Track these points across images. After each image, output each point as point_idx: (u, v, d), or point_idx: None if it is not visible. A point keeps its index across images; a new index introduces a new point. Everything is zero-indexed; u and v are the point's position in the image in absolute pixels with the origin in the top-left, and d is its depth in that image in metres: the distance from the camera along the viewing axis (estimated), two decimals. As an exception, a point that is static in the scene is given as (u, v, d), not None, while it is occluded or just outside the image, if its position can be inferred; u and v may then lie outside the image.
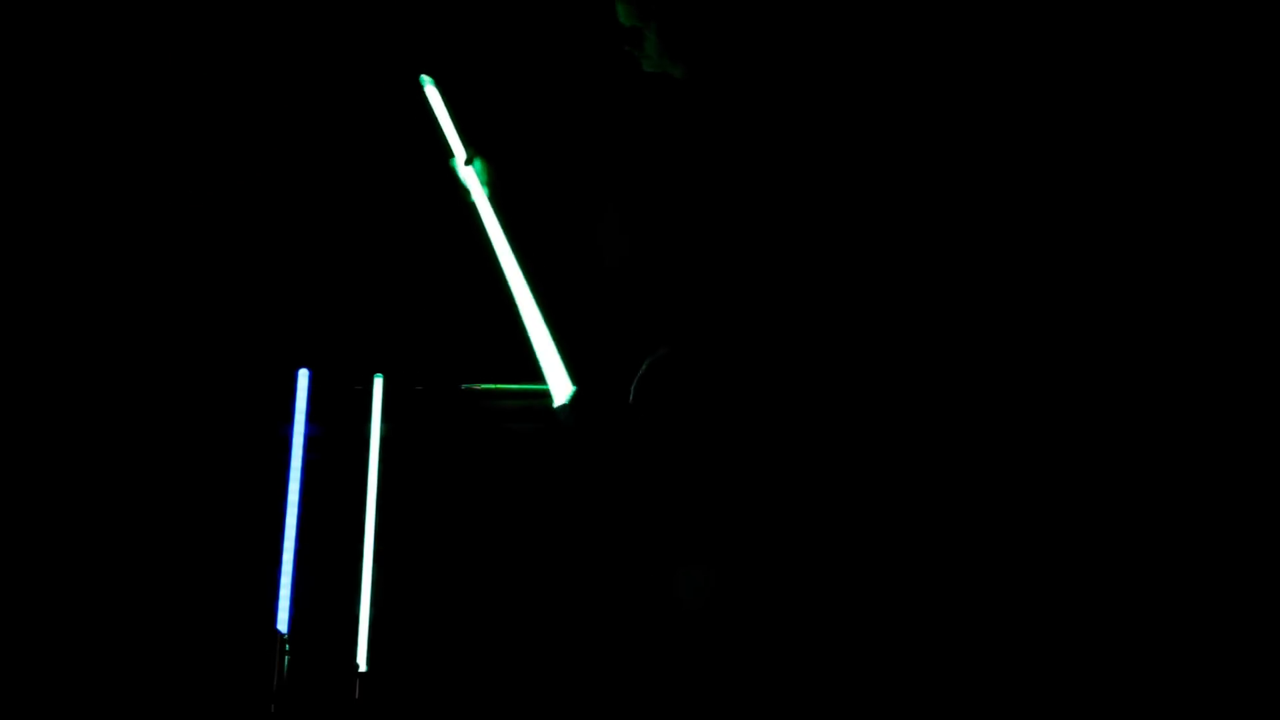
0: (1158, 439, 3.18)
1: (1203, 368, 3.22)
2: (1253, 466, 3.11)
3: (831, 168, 2.72)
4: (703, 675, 2.61)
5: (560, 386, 2.50)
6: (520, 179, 2.79)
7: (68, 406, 3.63)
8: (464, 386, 3.31)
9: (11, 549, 3.61)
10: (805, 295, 2.69)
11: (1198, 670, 2.88)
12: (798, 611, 2.60)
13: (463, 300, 3.38)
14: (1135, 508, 3.14)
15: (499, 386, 3.29)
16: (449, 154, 2.78)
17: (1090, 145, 3.38)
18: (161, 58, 3.68)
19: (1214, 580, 3.04)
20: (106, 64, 3.66)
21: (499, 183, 2.75)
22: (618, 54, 2.65)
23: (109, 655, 3.36)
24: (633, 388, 2.58)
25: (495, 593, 3.21)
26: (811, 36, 2.94)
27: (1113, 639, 2.99)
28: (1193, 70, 3.34)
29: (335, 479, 3.20)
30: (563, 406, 2.51)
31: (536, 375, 2.59)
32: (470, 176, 2.70)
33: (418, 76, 2.85)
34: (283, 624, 2.44)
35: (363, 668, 2.67)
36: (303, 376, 2.67)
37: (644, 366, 2.56)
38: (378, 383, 2.81)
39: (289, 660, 2.44)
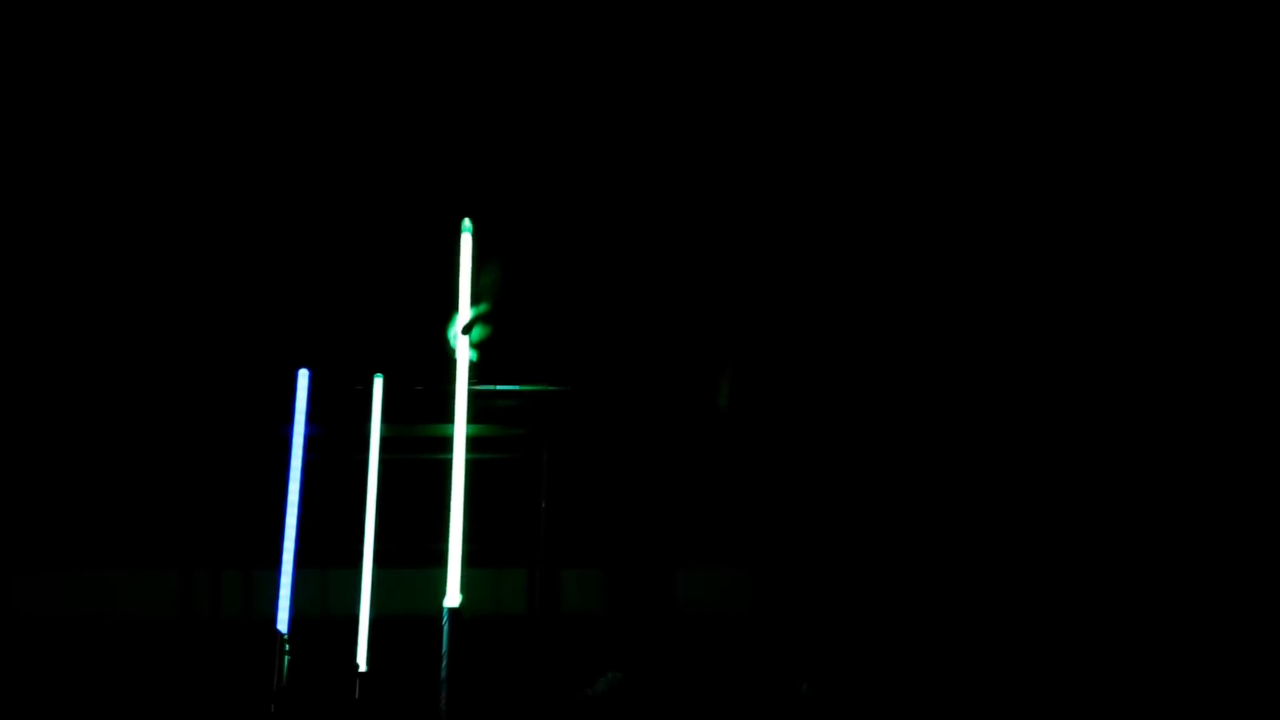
0: (1158, 439, 3.19)
1: (1203, 368, 3.22)
2: (1253, 466, 3.12)
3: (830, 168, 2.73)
4: (703, 676, 2.62)
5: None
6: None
7: (68, 406, 3.64)
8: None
9: (11, 548, 3.61)
10: (807, 296, 2.69)
11: (1198, 670, 2.89)
12: (811, 614, 2.61)
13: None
14: (1136, 507, 3.14)
15: (499, 387, 3.29)
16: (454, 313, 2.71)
17: (1090, 145, 3.38)
18: (162, 57, 3.68)
19: (1214, 580, 3.05)
20: (106, 64, 3.66)
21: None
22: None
23: (109, 655, 3.36)
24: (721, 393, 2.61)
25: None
26: None
27: (1114, 639, 3.00)
28: (1193, 70, 3.34)
29: (335, 479, 3.21)
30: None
31: (536, 375, 2.58)
32: (462, 343, 2.63)
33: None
34: (283, 624, 2.43)
35: (363, 668, 2.66)
36: (303, 376, 2.67)
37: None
38: (378, 383, 2.81)
39: (289, 660, 2.43)
